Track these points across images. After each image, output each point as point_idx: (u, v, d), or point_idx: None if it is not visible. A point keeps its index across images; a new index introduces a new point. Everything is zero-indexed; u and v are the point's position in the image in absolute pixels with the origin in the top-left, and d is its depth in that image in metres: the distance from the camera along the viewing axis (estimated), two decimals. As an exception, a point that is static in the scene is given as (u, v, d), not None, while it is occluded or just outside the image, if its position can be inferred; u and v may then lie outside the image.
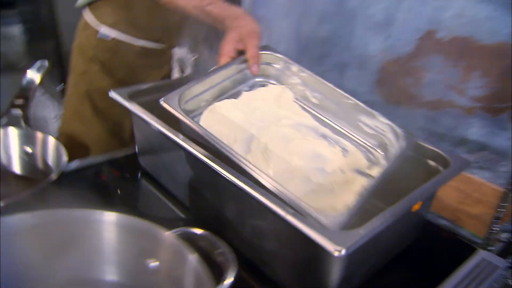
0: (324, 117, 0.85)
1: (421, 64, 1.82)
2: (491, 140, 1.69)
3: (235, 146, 0.76)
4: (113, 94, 0.88)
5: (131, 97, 0.89)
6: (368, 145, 0.84)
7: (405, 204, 0.66)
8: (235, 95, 0.89)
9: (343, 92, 0.79)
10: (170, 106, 0.77)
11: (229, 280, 0.56)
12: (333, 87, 0.81)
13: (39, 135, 0.71)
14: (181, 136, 0.72)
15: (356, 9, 2.01)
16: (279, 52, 0.89)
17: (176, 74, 1.16)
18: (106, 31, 1.23)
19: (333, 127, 0.84)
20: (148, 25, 1.32)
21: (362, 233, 0.56)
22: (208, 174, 0.76)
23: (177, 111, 0.75)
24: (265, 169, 0.78)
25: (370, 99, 2.03)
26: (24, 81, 0.93)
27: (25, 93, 0.87)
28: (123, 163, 0.99)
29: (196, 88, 0.85)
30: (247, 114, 0.84)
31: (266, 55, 0.91)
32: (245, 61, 0.90)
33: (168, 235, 0.55)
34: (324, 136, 0.81)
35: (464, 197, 1.80)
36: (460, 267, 0.78)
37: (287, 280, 0.74)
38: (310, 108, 0.87)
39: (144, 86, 0.95)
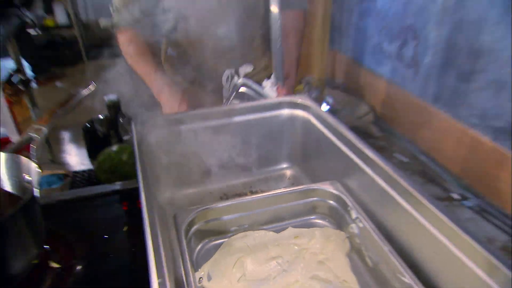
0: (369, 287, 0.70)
1: None
2: None
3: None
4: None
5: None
6: None
7: None
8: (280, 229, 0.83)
9: (400, 264, 0.61)
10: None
11: None
12: (391, 254, 0.63)
13: (25, 161, 0.75)
14: None
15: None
16: (348, 192, 0.80)
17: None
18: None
19: None
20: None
21: None
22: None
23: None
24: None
25: (529, 128, 1.72)
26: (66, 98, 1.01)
27: (56, 111, 0.94)
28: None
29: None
30: (283, 255, 0.76)
31: (332, 192, 0.83)
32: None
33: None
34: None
35: None
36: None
37: None
38: (360, 269, 0.73)
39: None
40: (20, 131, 1.85)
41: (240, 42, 1.13)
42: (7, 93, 1.64)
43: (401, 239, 0.71)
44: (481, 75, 1.94)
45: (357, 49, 2.90)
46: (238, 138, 0.96)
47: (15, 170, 0.75)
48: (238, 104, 1.01)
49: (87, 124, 1.31)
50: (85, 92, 1.01)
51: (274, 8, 0.98)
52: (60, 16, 4.08)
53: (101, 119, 1.27)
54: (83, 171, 2.06)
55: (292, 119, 0.99)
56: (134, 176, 2.03)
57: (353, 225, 0.79)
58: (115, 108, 1.18)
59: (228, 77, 1.16)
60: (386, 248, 0.69)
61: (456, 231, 0.60)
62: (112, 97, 1.17)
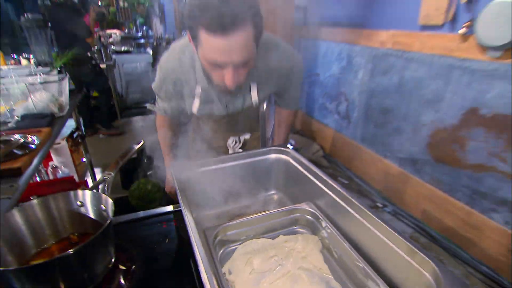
0: (338, 272, 0.73)
1: (466, 134, 1.57)
2: (533, 205, 1.34)
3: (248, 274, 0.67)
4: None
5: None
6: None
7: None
8: (274, 236, 0.82)
9: (356, 254, 0.67)
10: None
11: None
12: (349, 248, 0.69)
13: (103, 196, 0.74)
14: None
15: (411, 89, 1.86)
16: (318, 209, 0.83)
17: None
18: None
19: (344, 283, 0.70)
20: None
21: None
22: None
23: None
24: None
25: (422, 158, 1.82)
26: (123, 152, 0.93)
27: (119, 162, 0.88)
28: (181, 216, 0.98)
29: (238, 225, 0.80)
30: (278, 254, 0.77)
31: (307, 210, 0.84)
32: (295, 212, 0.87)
33: None
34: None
35: (504, 250, 1.45)
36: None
37: None
38: (330, 260, 0.76)
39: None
40: (77, 171, 1.80)
41: (243, 121, 1.09)
42: (69, 145, 1.61)
43: (355, 238, 0.74)
44: (388, 125, 2.06)
45: (309, 107, 2.98)
46: (241, 174, 0.95)
47: (97, 203, 0.75)
48: (241, 152, 1.00)
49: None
50: (137, 146, 0.98)
51: (262, 107, 1.02)
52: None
53: (130, 159, 1.18)
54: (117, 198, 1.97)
55: (277, 160, 1.00)
56: (157, 201, 1.89)
57: (323, 231, 0.80)
58: (141, 151, 1.13)
59: (233, 141, 1.11)
60: (346, 245, 0.71)
61: (386, 227, 0.64)
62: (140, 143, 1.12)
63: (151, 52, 4.76)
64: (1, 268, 0.56)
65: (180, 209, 0.96)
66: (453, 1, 1.49)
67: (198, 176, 0.89)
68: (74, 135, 1.69)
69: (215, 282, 0.54)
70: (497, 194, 1.47)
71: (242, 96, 0.98)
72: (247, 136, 1.09)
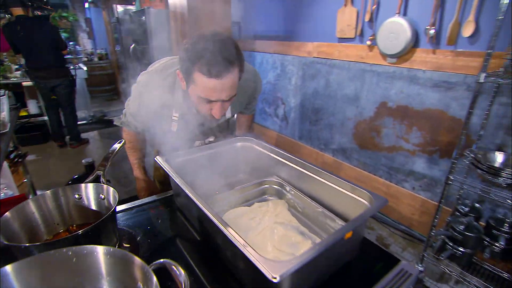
0: (304, 220, 0.94)
1: (380, 123, 2.02)
2: (428, 172, 1.84)
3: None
4: (158, 159, 0.94)
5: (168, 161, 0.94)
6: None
7: (336, 235, 0.63)
8: (250, 204, 1.00)
9: (315, 204, 0.88)
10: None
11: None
12: (309, 201, 0.89)
13: (105, 187, 0.80)
14: (193, 194, 0.75)
15: (336, 90, 2.27)
16: (282, 179, 1.04)
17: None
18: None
19: (310, 226, 0.91)
20: None
21: (294, 262, 0.54)
22: (205, 220, 0.82)
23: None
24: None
25: (350, 146, 2.25)
26: (109, 151, 0.95)
27: (107, 158, 0.91)
28: (166, 201, 1.06)
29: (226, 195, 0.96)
30: (256, 216, 0.95)
31: (273, 180, 1.05)
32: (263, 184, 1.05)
33: (145, 266, 0.51)
34: (302, 233, 0.86)
35: (414, 210, 1.93)
36: (385, 276, 0.75)
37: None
38: (296, 214, 0.95)
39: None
40: (20, 192, 1.66)
41: (210, 127, 1.19)
42: (9, 165, 1.54)
43: (312, 192, 0.95)
44: (320, 122, 2.46)
45: (248, 113, 3.25)
46: (214, 161, 1.10)
47: (95, 194, 0.82)
48: (214, 142, 1.16)
49: (69, 182, 1.20)
50: (117, 145, 0.98)
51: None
52: (32, 108, 3.88)
53: (79, 177, 1.19)
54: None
55: (243, 147, 1.19)
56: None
57: (288, 194, 1.02)
58: (90, 166, 1.12)
59: (199, 144, 1.19)
60: (306, 199, 0.93)
61: (332, 176, 0.89)
62: (88, 159, 1.15)
63: (85, 68, 4.54)
64: (27, 244, 0.65)
65: (161, 197, 1.08)
66: (359, 19, 1.97)
67: (181, 165, 1.00)
68: (12, 156, 1.60)
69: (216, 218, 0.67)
70: (405, 167, 1.96)
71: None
72: (211, 139, 1.20)
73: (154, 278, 0.51)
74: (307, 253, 0.59)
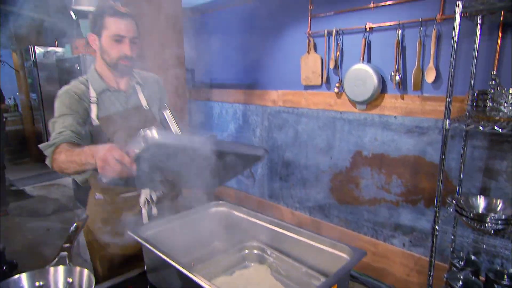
0: (289, 284, 0.96)
1: (357, 174, 2.05)
2: (416, 223, 1.86)
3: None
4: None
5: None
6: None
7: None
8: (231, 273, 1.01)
9: (298, 264, 0.94)
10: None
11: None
12: (292, 261, 0.96)
13: (77, 269, 0.83)
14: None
15: (306, 140, 2.30)
16: (262, 242, 1.08)
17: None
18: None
19: None
20: None
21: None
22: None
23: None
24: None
25: (328, 202, 2.23)
26: (71, 229, 0.98)
27: (71, 238, 0.95)
28: (137, 279, 1.00)
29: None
30: (238, 287, 0.97)
31: (253, 245, 1.08)
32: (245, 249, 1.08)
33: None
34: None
35: (409, 270, 1.87)
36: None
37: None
38: (280, 278, 0.98)
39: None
40: None
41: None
42: None
43: (293, 253, 0.99)
44: (292, 177, 2.46)
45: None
46: (191, 229, 1.10)
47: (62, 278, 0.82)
48: (186, 211, 1.14)
49: None
50: (79, 222, 1.04)
51: (144, 102, 1.24)
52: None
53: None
54: None
55: (217, 212, 1.19)
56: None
57: (270, 258, 1.04)
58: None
59: (144, 202, 1.21)
60: (289, 260, 0.97)
61: (313, 234, 0.95)
62: None
63: None
64: None
65: (129, 277, 1.03)
66: (324, 66, 2.09)
67: (152, 237, 0.99)
68: None
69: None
70: (391, 221, 1.95)
71: (134, 97, 1.27)
72: (158, 194, 1.22)
73: None
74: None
